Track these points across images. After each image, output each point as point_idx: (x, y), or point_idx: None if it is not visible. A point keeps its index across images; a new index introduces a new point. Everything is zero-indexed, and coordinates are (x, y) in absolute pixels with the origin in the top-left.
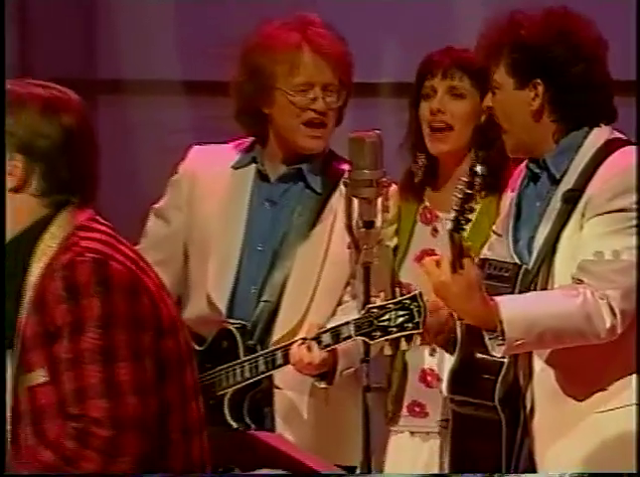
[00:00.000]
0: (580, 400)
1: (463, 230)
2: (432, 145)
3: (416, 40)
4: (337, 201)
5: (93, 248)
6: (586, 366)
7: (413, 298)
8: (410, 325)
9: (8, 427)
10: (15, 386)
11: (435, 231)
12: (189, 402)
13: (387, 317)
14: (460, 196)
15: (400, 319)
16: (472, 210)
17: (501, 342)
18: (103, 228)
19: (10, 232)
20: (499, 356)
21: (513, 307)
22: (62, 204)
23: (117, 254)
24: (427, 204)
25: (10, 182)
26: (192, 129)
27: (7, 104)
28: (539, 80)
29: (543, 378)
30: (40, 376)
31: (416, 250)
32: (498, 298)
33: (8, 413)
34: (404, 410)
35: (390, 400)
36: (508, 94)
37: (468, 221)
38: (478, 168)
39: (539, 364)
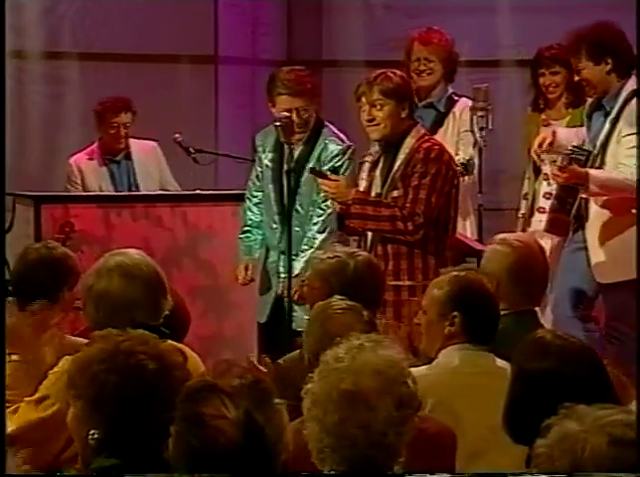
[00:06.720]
0: (606, 221)
1: None
2: (548, 94)
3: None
4: (451, 116)
5: (437, 143)
6: (613, 206)
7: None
8: None
9: None
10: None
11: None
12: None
13: None
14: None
15: None
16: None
17: (585, 189)
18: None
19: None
20: (583, 196)
21: (594, 174)
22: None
23: (443, 147)
24: (544, 116)
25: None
26: None
27: None
28: (609, 59)
29: (593, 209)
30: (399, 192)
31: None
32: (587, 169)
33: None
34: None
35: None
36: (591, 69)
37: None
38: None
39: (592, 201)
